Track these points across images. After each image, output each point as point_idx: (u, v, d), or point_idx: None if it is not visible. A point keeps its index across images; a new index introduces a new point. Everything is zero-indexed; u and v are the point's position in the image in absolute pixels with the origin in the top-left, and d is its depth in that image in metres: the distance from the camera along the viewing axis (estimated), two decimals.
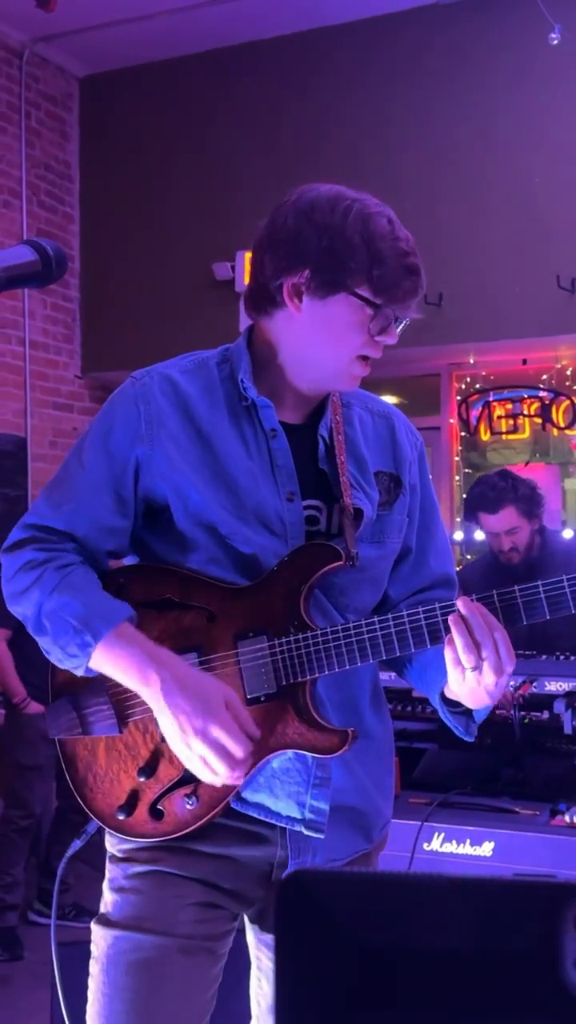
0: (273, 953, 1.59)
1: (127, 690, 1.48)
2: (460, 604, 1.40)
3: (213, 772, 1.40)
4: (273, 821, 1.48)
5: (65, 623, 1.44)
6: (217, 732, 1.39)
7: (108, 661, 1.43)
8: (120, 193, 6.25)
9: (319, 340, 1.48)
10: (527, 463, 5.89)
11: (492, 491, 3.50)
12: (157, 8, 5.54)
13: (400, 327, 1.50)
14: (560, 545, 3.65)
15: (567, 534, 4.67)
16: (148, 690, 1.42)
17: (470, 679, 1.39)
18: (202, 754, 1.39)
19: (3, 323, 5.83)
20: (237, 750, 1.39)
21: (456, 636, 1.38)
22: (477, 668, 1.37)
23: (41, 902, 4.46)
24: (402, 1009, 0.50)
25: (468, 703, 1.47)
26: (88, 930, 1.53)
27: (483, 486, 3.57)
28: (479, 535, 5.67)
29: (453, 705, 1.52)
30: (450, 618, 1.39)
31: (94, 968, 1.47)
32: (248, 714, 1.43)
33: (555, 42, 4.73)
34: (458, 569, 4.52)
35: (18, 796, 4.24)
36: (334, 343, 1.48)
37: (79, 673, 1.48)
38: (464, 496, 6.18)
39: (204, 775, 1.42)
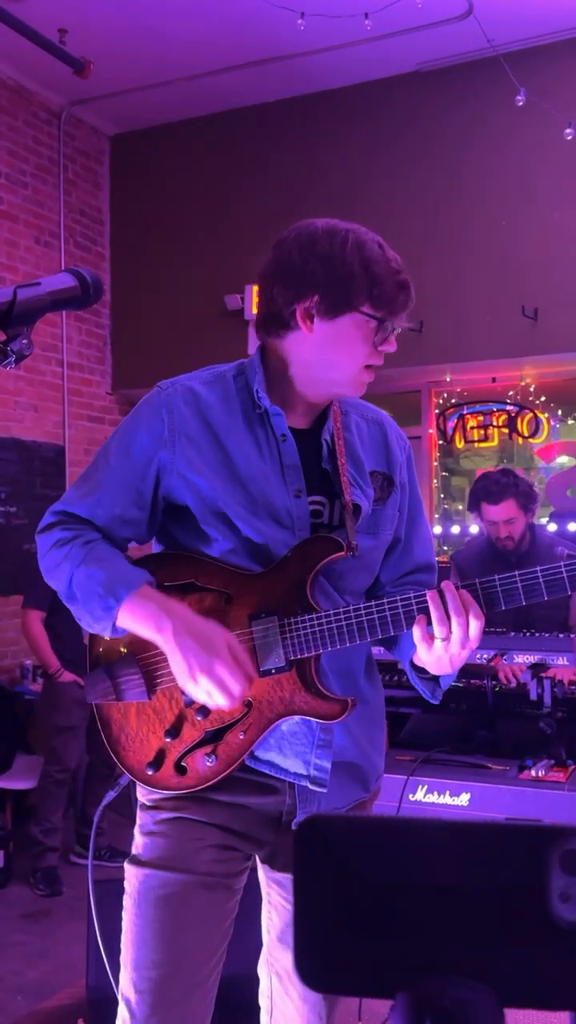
0: (282, 889, 1.58)
1: (156, 661, 1.48)
2: (443, 586, 1.39)
3: (216, 701, 1.40)
4: (282, 777, 1.48)
5: (92, 590, 1.43)
6: (219, 669, 1.37)
7: (130, 618, 1.42)
8: (145, 235, 6.23)
9: (332, 354, 1.47)
10: (496, 468, 5.88)
11: (496, 485, 3.49)
12: (176, 76, 5.53)
13: (395, 334, 1.49)
14: (544, 538, 3.65)
15: (551, 527, 4.67)
16: (161, 636, 1.40)
17: (438, 648, 1.38)
18: (206, 688, 1.38)
19: (44, 347, 5.81)
20: (235, 686, 1.38)
21: (432, 609, 1.38)
22: (446, 639, 1.37)
23: (80, 845, 4.46)
24: (402, 939, 0.49)
25: (432, 671, 1.47)
26: (121, 869, 1.52)
27: (487, 480, 3.56)
28: (455, 528, 5.69)
29: (421, 672, 1.51)
30: (428, 593, 1.39)
31: (127, 902, 1.47)
32: (247, 655, 1.42)
33: (520, 103, 4.72)
34: (450, 555, 4.53)
35: (56, 753, 4.23)
36: (345, 355, 1.47)
37: (107, 634, 1.47)
38: (441, 496, 6.21)
39: (210, 703, 1.41)
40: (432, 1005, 0.46)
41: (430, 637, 1.38)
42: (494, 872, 0.49)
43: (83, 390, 6.10)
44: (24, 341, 1.01)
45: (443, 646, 1.38)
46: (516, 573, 1.40)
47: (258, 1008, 1.63)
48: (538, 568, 1.39)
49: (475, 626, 1.38)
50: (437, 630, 1.37)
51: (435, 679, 1.54)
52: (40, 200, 5.81)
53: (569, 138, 4.80)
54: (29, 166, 5.74)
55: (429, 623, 1.38)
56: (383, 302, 1.44)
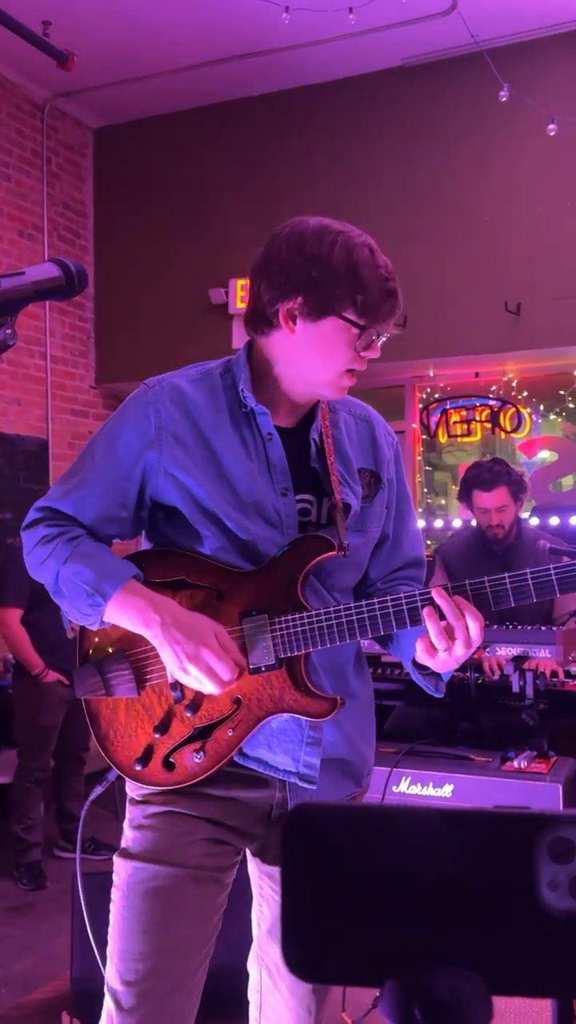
0: (273, 882, 1.58)
1: (146, 657, 1.47)
2: (434, 595, 1.38)
3: (207, 687, 1.41)
4: (271, 774, 1.48)
5: (78, 588, 1.42)
6: (207, 656, 1.38)
7: (117, 614, 1.42)
8: (129, 229, 6.20)
9: (312, 357, 1.45)
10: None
11: (488, 472, 3.50)
12: (160, 69, 5.51)
13: (381, 342, 1.48)
14: (529, 531, 3.67)
15: (533, 521, 4.69)
16: (149, 630, 1.40)
17: (442, 654, 1.38)
18: (196, 676, 1.39)
19: (28, 340, 5.78)
20: (224, 671, 1.39)
21: (430, 626, 1.37)
22: (448, 649, 1.37)
23: (63, 839, 4.44)
24: (391, 927, 0.49)
25: (436, 669, 1.47)
26: (105, 861, 1.51)
27: (480, 468, 3.57)
28: (438, 522, 5.71)
29: (423, 669, 1.51)
30: (425, 612, 1.38)
31: (116, 895, 1.46)
32: (234, 641, 1.43)
33: (504, 99, 4.72)
34: (434, 549, 4.54)
35: (37, 752, 4.21)
36: (326, 359, 1.45)
37: (94, 627, 1.47)
38: (424, 491, 6.22)
39: (202, 690, 1.42)
40: (421, 994, 0.47)
41: (434, 648, 1.38)
42: (483, 860, 0.49)
43: (67, 384, 6.07)
44: (8, 331, 1.00)
45: (447, 653, 1.38)
46: (506, 575, 1.39)
47: (247, 1002, 1.63)
48: (527, 571, 1.39)
49: (474, 628, 1.37)
50: (437, 643, 1.36)
51: (437, 674, 1.53)
52: (23, 193, 5.77)
53: (552, 134, 4.81)
54: (12, 159, 5.70)
55: (436, 620, 1.37)
56: (368, 308, 1.41)
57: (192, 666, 1.38)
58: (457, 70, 5.28)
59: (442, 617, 1.37)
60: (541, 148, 5.07)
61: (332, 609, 1.43)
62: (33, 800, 4.17)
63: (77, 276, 1.11)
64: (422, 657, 1.41)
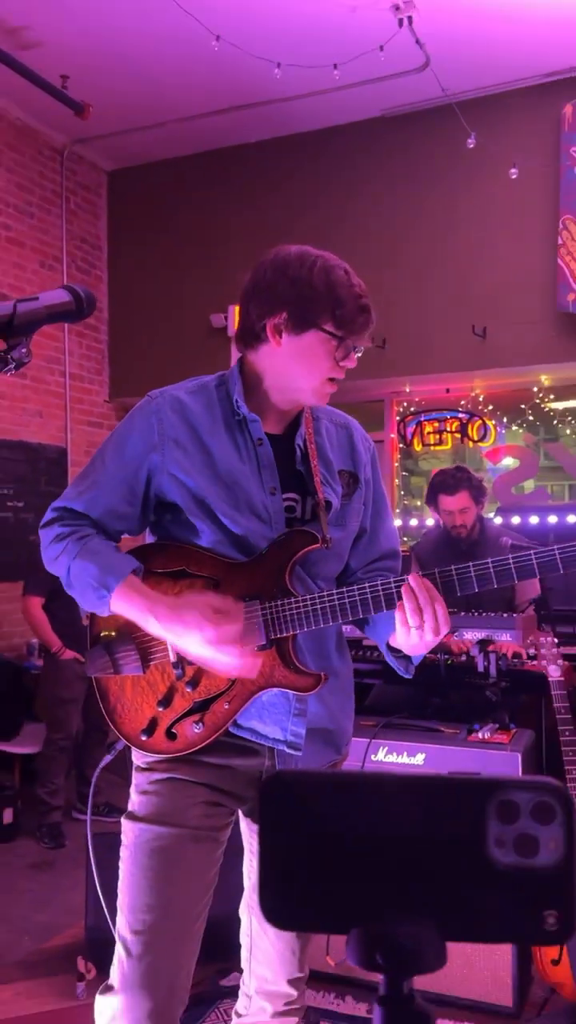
0: None
1: (150, 638, 1.47)
2: (411, 579, 1.39)
3: (223, 663, 1.37)
4: (261, 742, 1.48)
5: (87, 582, 1.43)
6: (208, 632, 1.35)
7: (121, 605, 1.42)
8: (139, 260, 6.19)
9: (297, 366, 1.45)
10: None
11: (452, 479, 3.50)
12: (167, 118, 5.50)
13: (358, 353, 1.48)
14: (492, 529, 3.67)
15: (496, 520, 4.69)
16: (150, 623, 1.40)
17: (414, 635, 1.39)
18: (210, 656, 1.37)
19: (49, 359, 5.77)
20: (232, 632, 1.36)
21: (406, 603, 1.37)
22: (419, 627, 1.37)
23: (81, 803, 4.43)
24: (356, 880, 0.49)
25: (408, 652, 1.47)
26: (117, 823, 1.51)
27: (444, 475, 3.57)
28: (413, 521, 5.71)
29: (396, 651, 1.52)
30: (403, 589, 1.39)
31: (124, 853, 1.46)
32: (228, 601, 1.39)
33: (471, 145, 4.72)
34: (410, 546, 4.53)
35: (60, 723, 4.21)
36: (308, 368, 1.45)
37: (104, 614, 1.46)
38: (401, 494, 6.22)
39: (217, 666, 1.39)
40: (381, 939, 0.47)
41: (408, 625, 1.38)
42: (438, 821, 0.49)
43: (84, 398, 6.06)
44: (23, 350, 0.99)
45: (418, 633, 1.38)
46: (470, 564, 1.40)
47: (239, 945, 1.63)
48: (489, 560, 1.40)
49: (441, 612, 1.37)
50: (411, 620, 1.37)
51: (408, 657, 1.53)
52: (45, 228, 5.76)
53: (513, 177, 4.82)
54: (35, 197, 5.68)
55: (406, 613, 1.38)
56: (344, 322, 1.42)
57: (204, 647, 1.35)
58: (430, 120, 5.27)
59: (416, 599, 1.37)
60: (504, 191, 5.07)
61: (317, 595, 1.43)
62: (57, 767, 4.17)
63: (86, 301, 1.11)
64: (396, 639, 1.41)
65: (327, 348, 1.44)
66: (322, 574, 1.53)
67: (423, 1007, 0.47)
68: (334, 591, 1.43)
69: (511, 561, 1.37)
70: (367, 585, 1.42)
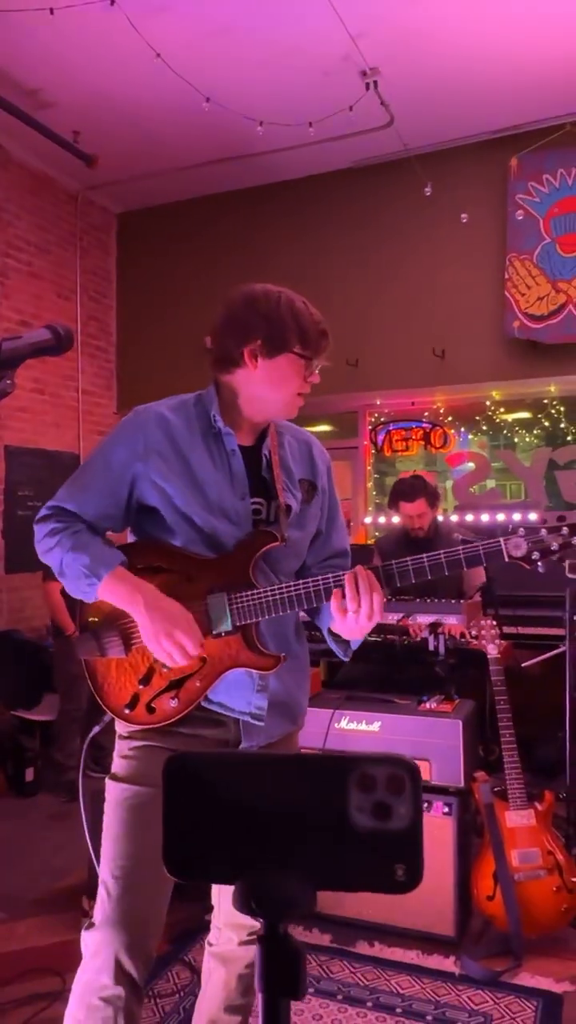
0: None
1: (132, 626, 1.48)
2: (358, 569, 1.41)
3: (174, 660, 1.41)
4: (228, 715, 1.49)
5: (78, 571, 1.43)
6: (179, 635, 1.39)
7: (108, 592, 1.43)
8: (144, 291, 6.18)
9: (272, 385, 1.47)
10: (409, 473, 5.91)
11: (410, 488, 3.51)
12: (166, 167, 5.49)
13: (318, 369, 1.50)
14: (445, 527, 3.70)
15: (453, 518, 4.71)
16: (133, 609, 1.42)
17: (350, 620, 1.40)
18: (167, 650, 1.40)
19: (65, 377, 5.76)
20: (191, 647, 1.40)
21: (347, 589, 1.39)
22: (356, 612, 1.39)
23: (93, 762, 4.44)
24: (241, 841, 0.51)
25: (345, 636, 1.49)
26: None
27: (403, 484, 3.59)
28: (382, 519, 5.73)
29: (335, 636, 1.53)
30: (346, 577, 1.41)
31: (107, 809, 1.48)
32: (197, 629, 1.43)
33: (428, 193, 4.74)
34: (376, 538, 4.54)
35: (72, 695, 4.21)
36: (282, 386, 1.47)
37: (90, 601, 1.47)
38: (374, 493, 6.23)
39: (168, 662, 1.42)
40: (256, 888, 0.49)
41: (344, 610, 1.40)
42: (309, 792, 0.51)
43: (94, 411, 6.06)
44: (8, 382, 1.00)
45: (354, 617, 1.39)
46: (408, 559, 1.41)
47: (208, 887, 1.64)
48: (424, 556, 1.41)
49: (376, 600, 1.39)
50: (349, 604, 1.38)
51: (347, 642, 1.55)
52: (61, 263, 5.75)
53: (464, 221, 4.83)
54: (52, 236, 5.67)
55: (343, 597, 1.40)
56: (309, 345, 1.45)
57: (166, 641, 1.39)
58: (393, 171, 5.27)
59: (356, 585, 1.39)
60: (458, 232, 5.09)
61: (276, 587, 1.44)
62: (71, 733, 4.17)
63: (65, 338, 1.11)
64: (336, 619, 1.43)
65: (297, 367, 1.46)
66: (283, 570, 1.55)
67: (296, 946, 0.50)
68: (291, 584, 1.44)
69: (442, 556, 1.39)
70: (320, 578, 1.43)
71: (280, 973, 0.49)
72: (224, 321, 1.48)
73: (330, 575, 1.44)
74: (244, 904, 0.49)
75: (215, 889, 1.62)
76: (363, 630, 1.43)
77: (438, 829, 2.43)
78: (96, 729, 1.57)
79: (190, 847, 0.51)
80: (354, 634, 1.45)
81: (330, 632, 1.54)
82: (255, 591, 1.44)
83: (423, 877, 0.50)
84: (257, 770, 0.51)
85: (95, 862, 1.51)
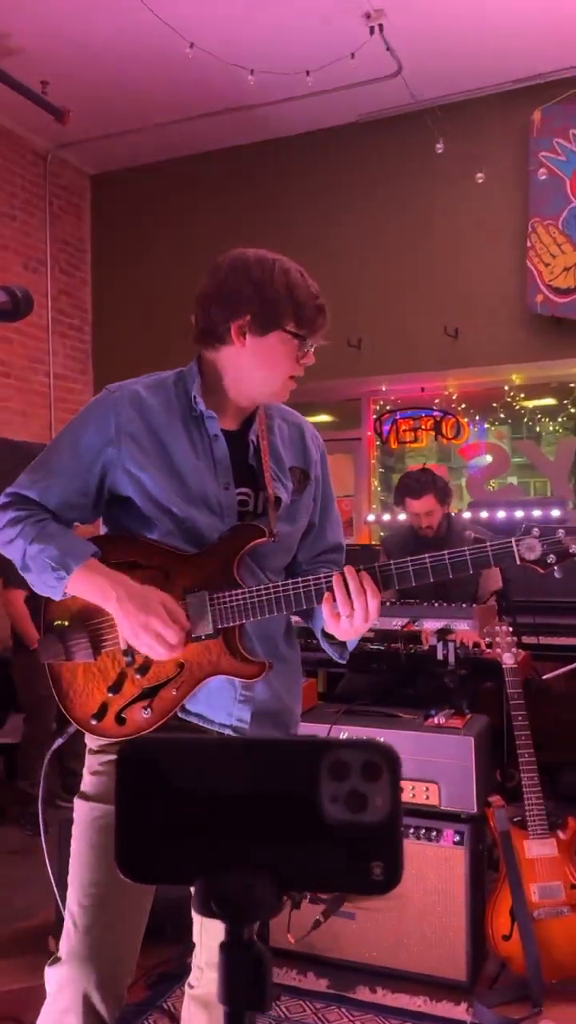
0: None
1: (101, 627, 1.48)
2: (345, 570, 1.41)
3: (157, 652, 1.42)
4: (208, 727, 1.49)
5: (44, 563, 1.43)
6: (155, 624, 1.40)
7: (79, 586, 1.44)
8: (122, 262, 6.18)
9: (261, 366, 1.47)
10: (426, 464, 5.93)
11: (417, 483, 3.51)
12: (146, 123, 5.50)
13: (313, 349, 1.50)
14: (458, 524, 3.70)
15: (466, 515, 4.71)
16: (107, 603, 1.42)
17: (343, 623, 1.41)
18: (147, 643, 1.41)
19: (34, 360, 5.77)
20: (171, 636, 1.40)
21: (336, 592, 1.40)
22: (349, 617, 1.40)
23: (64, 791, 4.44)
24: (202, 838, 0.51)
25: (340, 637, 1.50)
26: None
27: (410, 479, 3.58)
28: (387, 517, 5.74)
29: (330, 638, 1.54)
30: (333, 579, 1.41)
31: (75, 831, 1.48)
32: (181, 609, 1.43)
33: (440, 150, 4.75)
34: (381, 537, 4.52)
35: (41, 717, 4.21)
36: (272, 367, 1.47)
37: (57, 598, 1.47)
38: (379, 490, 6.24)
39: (152, 654, 1.43)
40: (217, 888, 0.49)
41: (336, 614, 1.40)
42: (277, 780, 0.51)
43: (68, 397, 6.05)
44: None
45: (347, 622, 1.40)
46: (408, 559, 1.42)
47: (190, 922, 1.64)
48: (427, 556, 1.41)
49: (372, 604, 1.39)
50: (340, 608, 1.39)
51: (343, 644, 1.56)
52: (28, 231, 5.75)
53: (480, 182, 4.84)
54: (18, 201, 5.67)
55: (335, 601, 1.40)
56: (304, 322, 1.45)
57: (143, 633, 1.39)
58: (402, 125, 5.29)
59: (347, 588, 1.39)
60: (472, 195, 5.10)
61: (263, 587, 1.44)
62: (37, 759, 4.17)
63: (23, 301, 1.12)
64: (329, 624, 1.43)
65: (289, 348, 1.45)
66: (271, 566, 1.55)
67: (260, 952, 0.50)
68: (279, 583, 1.45)
69: (447, 556, 1.40)
70: (311, 578, 1.44)
71: (244, 982, 0.49)
72: (210, 290, 1.48)
73: (322, 575, 1.44)
74: (204, 906, 0.50)
75: (196, 925, 1.62)
76: (358, 632, 1.43)
77: (448, 861, 2.44)
78: (59, 741, 1.57)
79: (145, 844, 0.52)
80: (348, 635, 1.46)
81: (323, 633, 1.54)
82: (240, 591, 1.44)
83: (402, 877, 0.51)
84: (219, 756, 0.51)
85: (59, 900, 1.51)
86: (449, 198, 5.23)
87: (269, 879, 0.50)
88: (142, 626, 1.39)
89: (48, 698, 4.54)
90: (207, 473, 1.49)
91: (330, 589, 1.41)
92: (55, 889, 1.54)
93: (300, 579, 1.44)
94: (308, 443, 1.65)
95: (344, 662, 1.58)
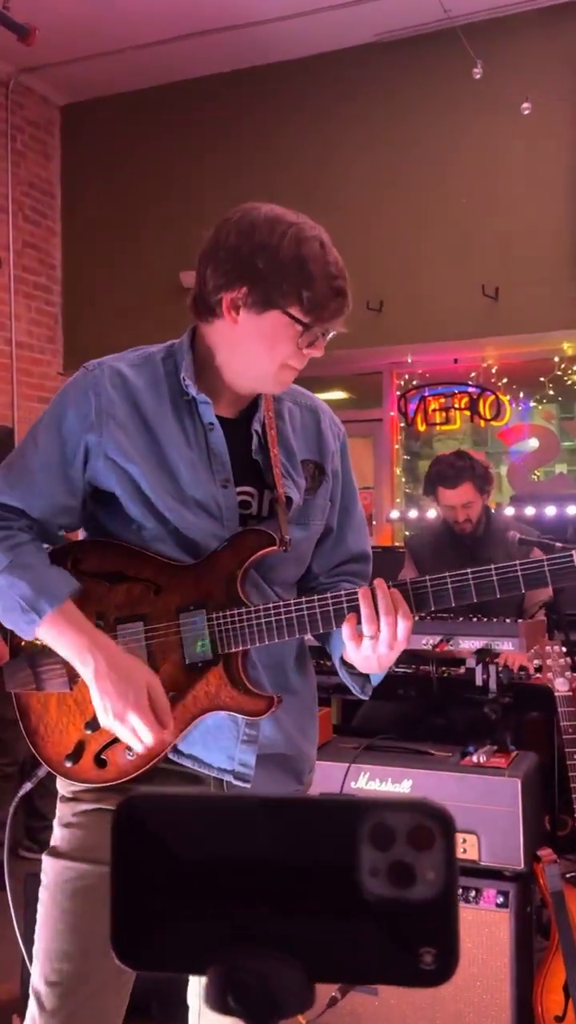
0: None
1: None
2: (376, 584, 1.40)
3: (129, 743, 1.43)
4: (204, 772, 1.49)
5: (13, 601, 1.42)
6: (133, 719, 1.40)
7: (51, 637, 1.43)
8: (97, 208, 6.19)
9: (253, 349, 1.45)
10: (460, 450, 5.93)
11: (451, 469, 3.50)
12: (127, 44, 5.48)
13: (328, 338, 1.47)
14: (499, 521, 3.69)
15: (508, 511, 4.71)
16: (84, 669, 1.42)
17: (365, 648, 1.40)
18: (119, 731, 1.42)
19: None
20: (148, 736, 1.40)
21: (362, 607, 1.38)
22: (374, 638, 1.38)
23: (28, 839, 4.45)
24: (216, 915, 0.51)
25: (361, 669, 1.49)
26: None
27: (442, 464, 3.57)
28: (413, 513, 5.74)
29: (350, 667, 1.53)
30: (360, 590, 1.40)
31: (43, 895, 1.47)
32: (166, 700, 1.43)
33: (478, 76, 4.73)
34: (406, 536, 4.52)
35: (6, 746, 4.22)
36: (266, 353, 1.45)
37: (27, 638, 1.48)
38: (403, 480, 6.24)
39: (135, 746, 1.44)
40: (233, 979, 0.49)
41: (359, 635, 1.39)
42: (306, 847, 0.50)
43: (33, 370, 6.06)
44: None
45: (371, 645, 1.38)
46: (447, 575, 1.40)
47: (180, 1000, 1.64)
48: (469, 572, 1.40)
49: (403, 627, 1.38)
50: (365, 628, 1.38)
51: (364, 675, 1.55)
52: None
53: (526, 113, 4.82)
54: None
55: (359, 621, 1.39)
56: (313, 306, 1.41)
57: (116, 723, 1.40)
58: (431, 46, 5.27)
59: (375, 604, 1.38)
60: (516, 127, 5.08)
61: (272, 605, 1.43)
62: (2, 796, 4.18)
63: None
64: (349, 648, 1.43)
65: (290, 333, 1.43)
66: (279, 580, 1.54)
67: None
68: (291, 601, 1.44)
69: (494, 573, 1.39)
70: (329, 596, 1.43)
71: None
72: (208, 250, 1.47)
73: (343, 592, 1.43)
74: (219, 1000, 0.49)
75: (194, 1012, 1.62)
76: (383, 663, 1.42)
77: (491, 926, 2.43)
78: (27, 787, 1.57)
79: (147, 925, 0.51)
80: (371, 667, 1.45)
81: (343, 662, 1.53)
82: (244, 610, 1.43)
83: (457, 967, 0.50)
84: (237, 818, 0.50)
85: (29, 967, 1.51)
86: (488, 133, 5.22)
87: (297, 968, 0.49)
88: (118, 715, 1.40)
89: (13, 722, 4.56)
90: (201, 468, 1.48)
91: (354, 609, 1.40)
92: (24, 956, 1.53)
93: (318, 597, 1.44)
94: (324, 431, 1.63)
95: (365, 697, 1.57)
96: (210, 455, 1.49)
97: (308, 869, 0.50)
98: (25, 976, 2.72)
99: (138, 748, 1.42)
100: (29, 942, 1.50)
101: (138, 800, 0.52)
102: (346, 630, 1.40)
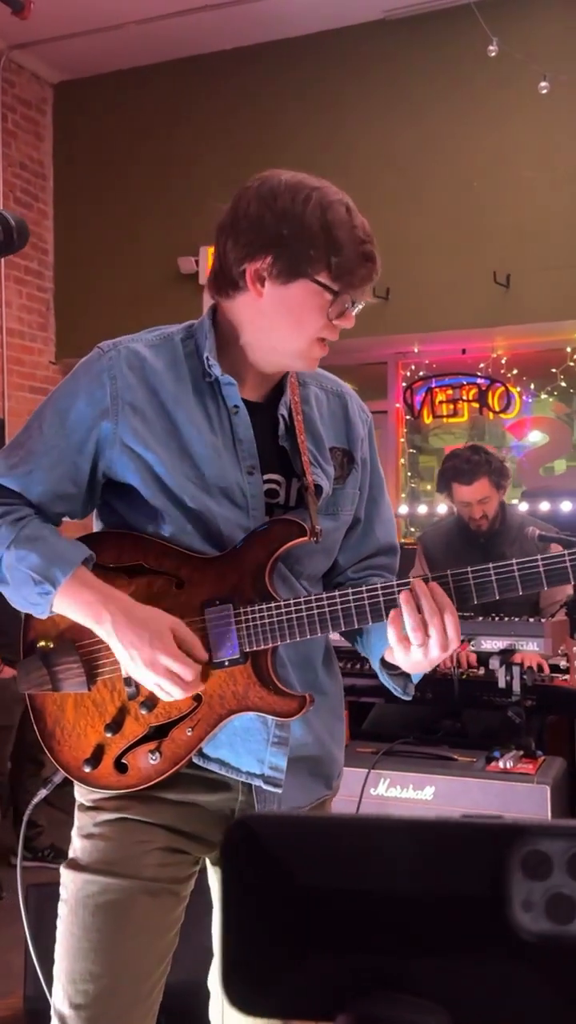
0: None
1: (97, 649, 1.45)
2: (415, 584, 1.36)
3: (168, 694, 1.39)
4: (233, 776, 1.46)
5: (25, 574, 1.40)
6: (165, 660, 1.36)
7: (66, 604, 1.40)
8: (91, 191, 6.17)
9: (281, 323, 1.43)
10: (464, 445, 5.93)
11: (467, 464, 3.50)
12: (126, 19, 5.46)
13: (356, 310, 1.45)
14: (515, 517, 3.69)
15: (522, 507, 4.71)
16: (101, 628, 1.39)
17: (415, 653, 1.36)
18: (155, 682, 1.38)
19: None
20: (186, 673, 1.37)
21: (406, 615, 1.34)
22: (423, 646, 1.34)
23: (24, 847, 4.41)
24: (345, 953, 0.47)
25: (408, 670, 1.46)
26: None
27: (457, 459, 3.57)
28: (422, 508, 5.72)
29: (391, 668, 1.50)
30: (402, 598, 1.35)
31: (63, 910, 1.44)
32: (196, 637, 1.41)
33: (493, 54, 4.71)
34: (416, 537, 4.51)
35: None
36: (295, 326, 1.42)
37: (43, 616, 1.45)
38: (408, 475, 6.23)
39: (163, 696, 1.40)
40: None
41: (407, 641, 1.35)
42: (449, 877, 0.47)
43: (24, 359, 6.03)
44: None
45: (422, 651, 1.35)
46: (491, 566, 1.37)
47: (207, 1022, 1.62)
48: (513, 561, 1.37)
49: (451, 625, 1.34)
50: (412, 636, 1.34)
51: (406, 675, 1.52)
52: None
53: (544, 92, 4.80)
54: None
55: (403, 626, 1.35)
56: (342, 272, 1.39)
57: (149, 671, 1.36)
58: (443, 23, 5.26)
59: (419, 609, 1.34)
60: (532, 108, 5.09)
61: (303, 600, 1.41)
62: None
63: (17, 230, 1.08)
64: (393, 654, 1.40)
65: (319, 303, 1.41)
66: (307, 573, 1.52)
67: None
68: (323, 595, 1.41)
69: (540, 563, 1.35)
70: (364, 589, 1.40)
71: None
72: (227, 221, 1.44)
73: (379, 585, 1.40)
74: None
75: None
76: (434, 662, 1.39)
77: None
78: (43, 793, 1.54)
79: (263, 964, 0.46)
80: (419, 668, 1.42)
81: (383, 663, 1.50)
82: (273, 605, 1.41)
83: None
84: (368, 844, 0.46)
85: (43, 984, 1.48)
86: (503, 112, 5.21)
87: (442, 1016, 0.45)
88: (147, 662, 1.36)
89: (6, 730, 4.50)
90: (226, 454, 1.46)
91: (392, 605, 1.37)
92: (40, 975, 1.50)
93: (351, 591, 1.41)
94: (353, 417, 1.62)
95: (409, 698, 1.54)
96: (235, 440, 1.47)
97: (452, 902, 0.46)
98: (29, 990, 2.68)
99: (177, 695, 1.39)
100: (40, 957, 1.46)
101: (253, 821, 0.47)
102: (393, 634, 1.36)
